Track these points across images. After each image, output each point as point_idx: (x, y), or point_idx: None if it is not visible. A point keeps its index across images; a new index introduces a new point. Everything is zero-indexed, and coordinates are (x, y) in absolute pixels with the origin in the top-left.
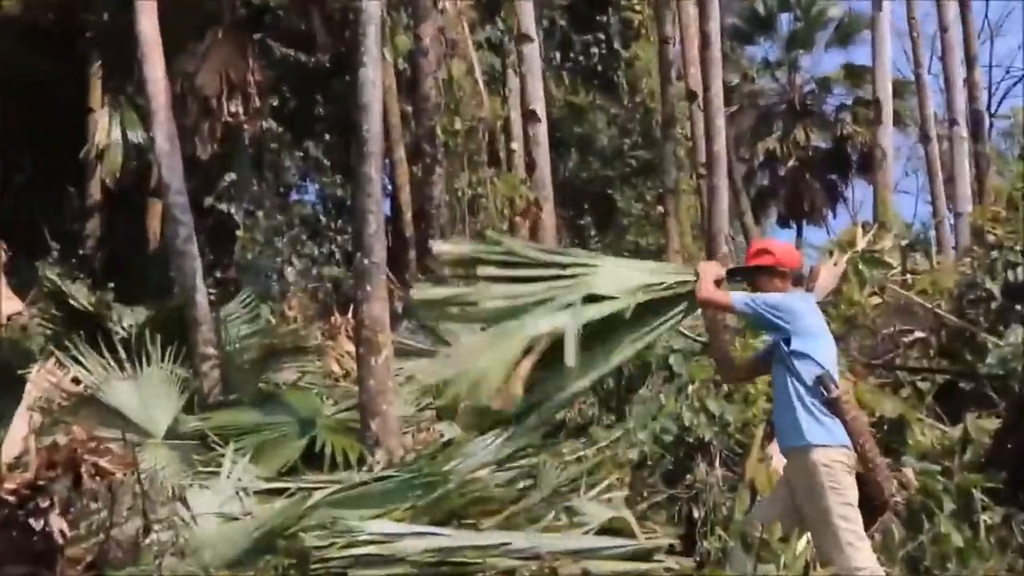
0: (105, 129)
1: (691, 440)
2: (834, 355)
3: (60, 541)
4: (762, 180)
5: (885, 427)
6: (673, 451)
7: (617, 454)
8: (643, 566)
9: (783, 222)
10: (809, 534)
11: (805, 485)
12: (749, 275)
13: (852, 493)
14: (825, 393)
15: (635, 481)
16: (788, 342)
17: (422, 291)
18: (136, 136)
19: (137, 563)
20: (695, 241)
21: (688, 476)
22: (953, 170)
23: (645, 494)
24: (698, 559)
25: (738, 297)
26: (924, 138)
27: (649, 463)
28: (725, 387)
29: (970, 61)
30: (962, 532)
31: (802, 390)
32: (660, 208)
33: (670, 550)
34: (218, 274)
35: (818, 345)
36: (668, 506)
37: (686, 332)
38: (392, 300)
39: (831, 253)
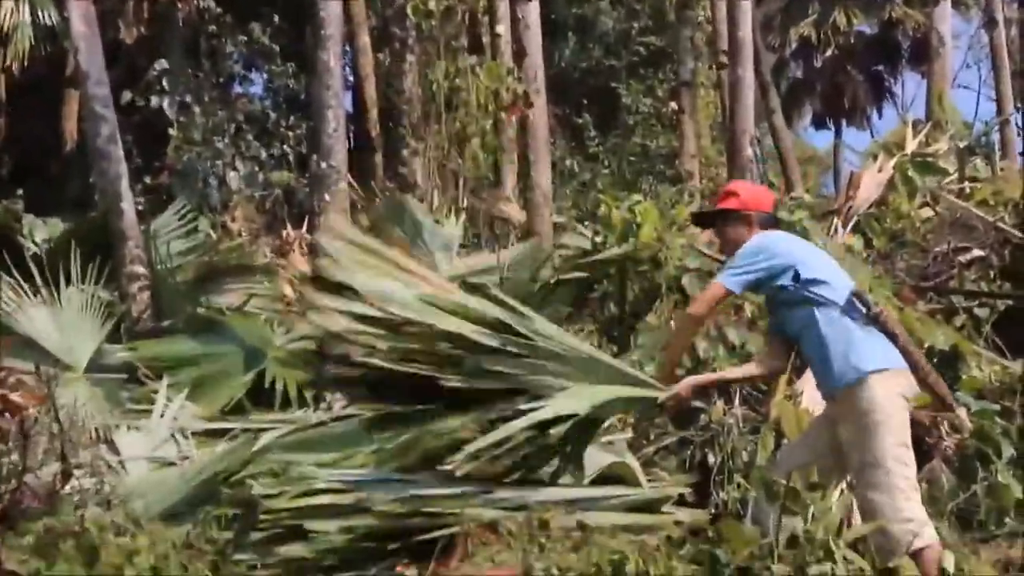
0: (9, 8)
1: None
2: (843, 273)
3: None
4: (795, 72)
5: (936, 360)
6: None
7: None
8: (649, 518)
9: (819, 122)
10: (851, 480)
11: (858, 425)
12: (713, 221)
13: (907, 431)
14: (865, 309)
15: (640, 422)
16: (797, 276)
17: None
18: (47, 16)
19: (55, 513)
20: (714, 144)
21: (703, 416)
22: (1022, 61)
23: (652, 437)
24: (713, 511)
25: (721, 278)
26: (989, 22)
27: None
28: (747, 312)
29: None
30: (1022, 483)
31: (836, 315)
32: (673, 105)
33: (680, 500)
34: (147, 180)
35: (831, 269)
36: (678, 450)
37: (702, 249)
38: (354, 211)
39: (875, 157)
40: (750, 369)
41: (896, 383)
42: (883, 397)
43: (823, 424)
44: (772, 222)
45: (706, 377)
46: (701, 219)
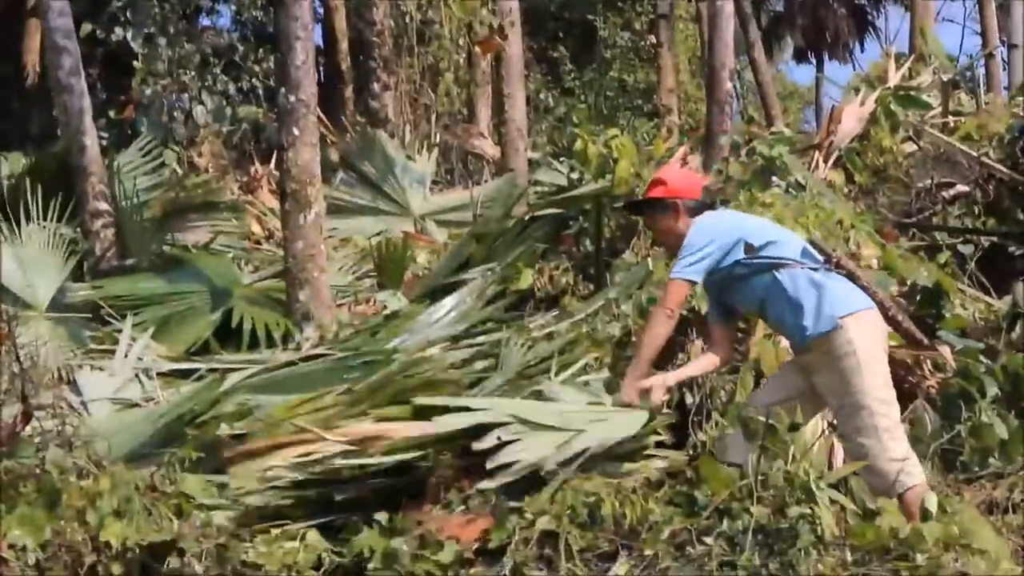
0: None
1: (684, 312)
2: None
3: None
4: (776, 5)
5: (918, 298)
6: None
7: (595, 329)
8: (626, 463)
9: (800, 55)
10: (836, 424)
11: (837, 370)
12: (641, 210)
13: (886, 369)
14: (823, 258)
15: (617, 361)
16: (748, 246)
17: None
18: None
19: (15, 455)
20: (693, 78)
21: (680, 355)
22: None
23: None
24: (690, 452)
25: (677, 272)
26: None
27: (633, 339)
28: None
29: None
30: (1007, 423)
31: (797, 272)
32: (651, 38)
33: (657, 442)
34: (111, 114)
35: (778, 230)
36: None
37: None
38: (324, 146)
39: (857, 91)
40: (707, 363)
41: (870, 323)
42: (860, 338)
43: (794, 371)
44: (701, 208)
45: (675, 375)
46: (632, 208)
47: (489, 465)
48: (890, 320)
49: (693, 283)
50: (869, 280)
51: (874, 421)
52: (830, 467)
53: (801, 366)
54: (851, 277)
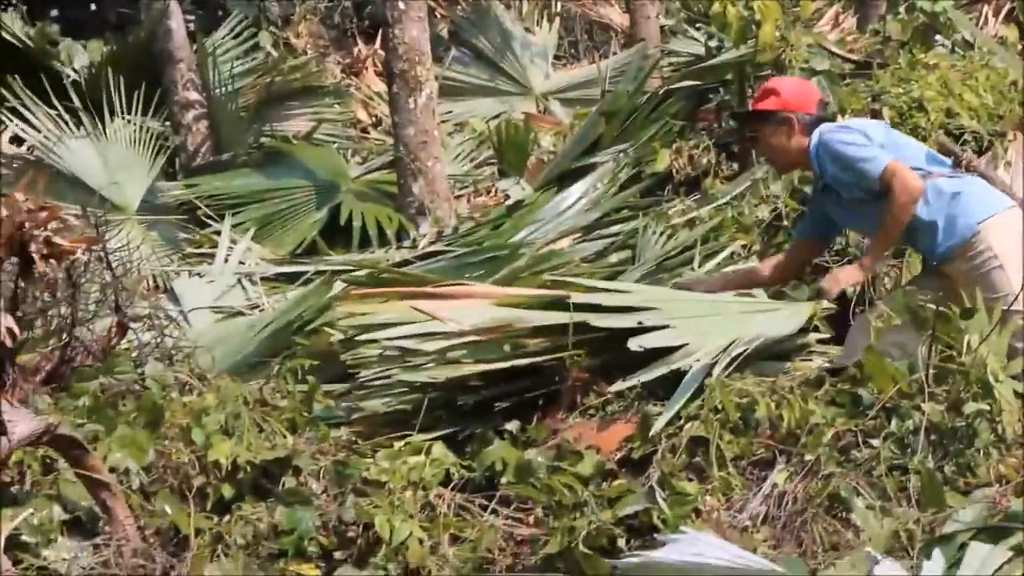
0: None
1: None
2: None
3: (8, 344)
4: None
5: None
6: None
7: (741, 213)
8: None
9: None
10: None
11: (976, 279)
12: (752, 122)
13: None
14: (951, 161)
15: (767, 248)
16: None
17: None
18: None
19: (111, 371)
20: None
21: (838, 239)
22: None
23: None
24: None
25: (887, 158)
26: None
27: (785, 224)
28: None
29: None
30: None
31: (925, 186)
32: None
33: (815, 328)
34: None
35: (903, 138)
36: (810, 279)
37: (832, 48)
38: (433, 21)
39: None
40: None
41: (1009, 223)
42: (1000, 242)
43: (934, 282)
44: (817, 123)
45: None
46: (739, 118)
47: (632, 345)
48: None
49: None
50: (1003, 182)
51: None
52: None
53: (941, 279)
54: (985, 177)
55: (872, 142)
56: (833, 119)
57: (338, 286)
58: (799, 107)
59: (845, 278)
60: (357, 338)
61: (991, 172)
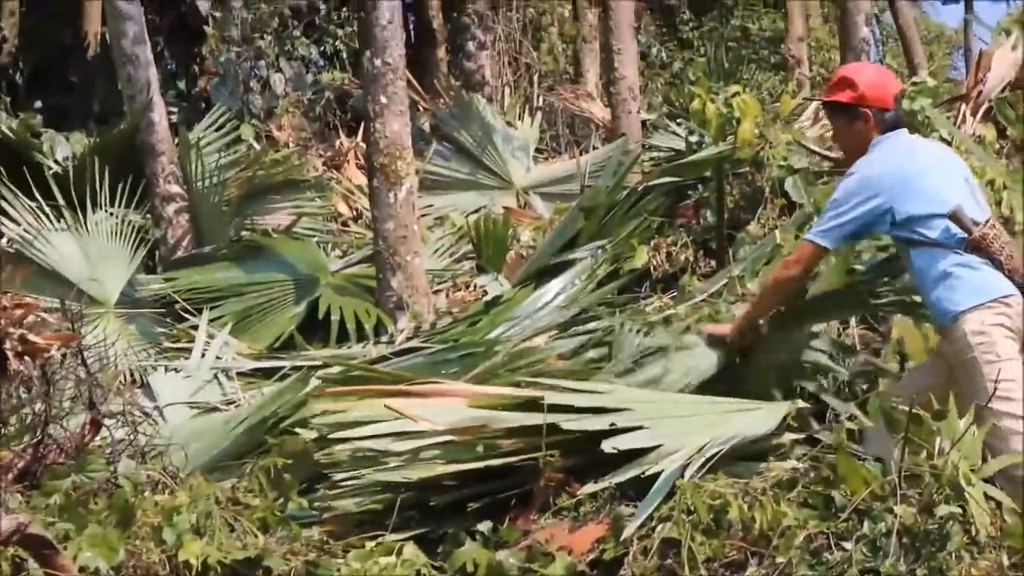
0: None
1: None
2: (957, 184)
3: None
4: None
5: None
6: None
7: (718, 311)
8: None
9: None
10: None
11: (958, 363)
12: (828, 111)
13: (1016, 366)
14: (964, 235)
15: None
16: (893, 219)
17: None
18: None
19: (83, 469)
20: (825, 24)
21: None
22: None
23: None
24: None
25: (811, 234)
26: None
27: (761, 322)
28: None
29: None
30: None
31: (930, 252)
32: None
33: (789, 428)
34: (181, 86)
35: (924, 193)
36: (786, 375)
37: (810, 146)
38: (415, 115)
39: (1008, 33)
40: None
41: (996, 313)
42: (978, 331)
43: (939, 355)
44: (894, 121)
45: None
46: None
47: (605, 447)
48: None
49: (824, 249)
50: (1017, 265)
51: (998, 422)
52: (984, 460)
53: (940, 350)
54: (994, 260)
55: (861, 205)
56: (903, 124)
57: (315, 382)
58: (875, 100)
59: (720, 330)
60: (330, 436)
61: (1005, 254)
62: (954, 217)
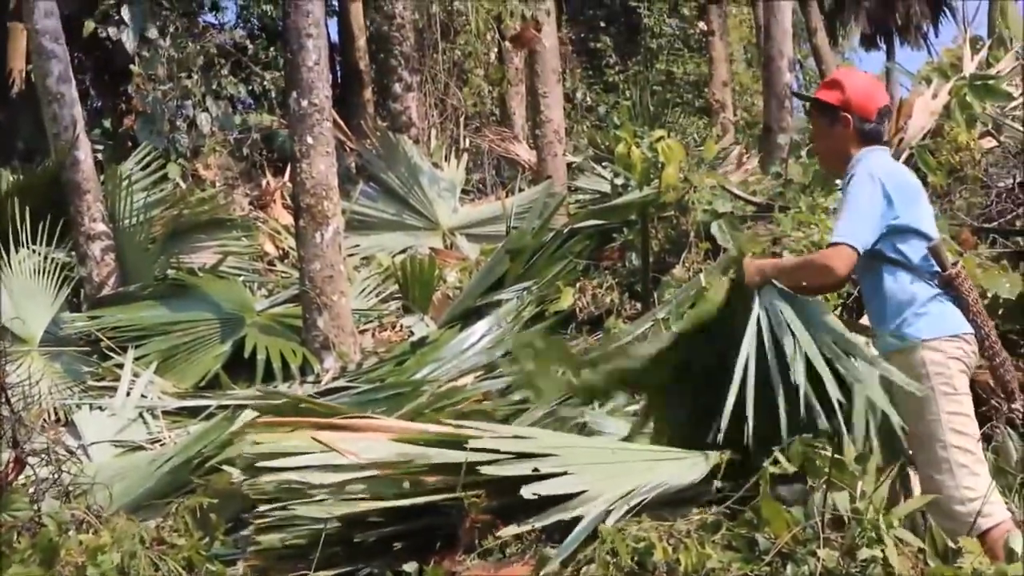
0: None
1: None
2: (933, 220)
3: None
4: None
5: (1000, 312)
6: None
7: None
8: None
9: (868, 42)
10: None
11: (906, 392)
12: (813, 110)
13: (968, 400)
14: (939, 270)
15: None
16: (894, 219)
17: None
18: None
19: (7, 507)
20: (749, 69)
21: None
22: None
23: None
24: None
25: (844, 235)
26: None
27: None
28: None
29: None
30: None
31: (904, 275)
32: (701, 25)
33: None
34: (107, 124)
35: (922, 212)
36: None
37: (734, 190)
38: (342, 155)
39: (928, 81)
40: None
41: (955, 347)
42: (936, 362)
43: None
44: (875, 134)
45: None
46: (800, 97)
47: (525, 493)
48: (988, 362)
49: (859, 253)
50: (980, 310)
51: (948, 455)
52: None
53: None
54: (961, 302)
55: (878, 207)
56: (882, 139)
57: (241, 420)
58: (859, 109)
59: (754, 266)
60: (257, 466)
61: (971, 297)
62: (935, 249)
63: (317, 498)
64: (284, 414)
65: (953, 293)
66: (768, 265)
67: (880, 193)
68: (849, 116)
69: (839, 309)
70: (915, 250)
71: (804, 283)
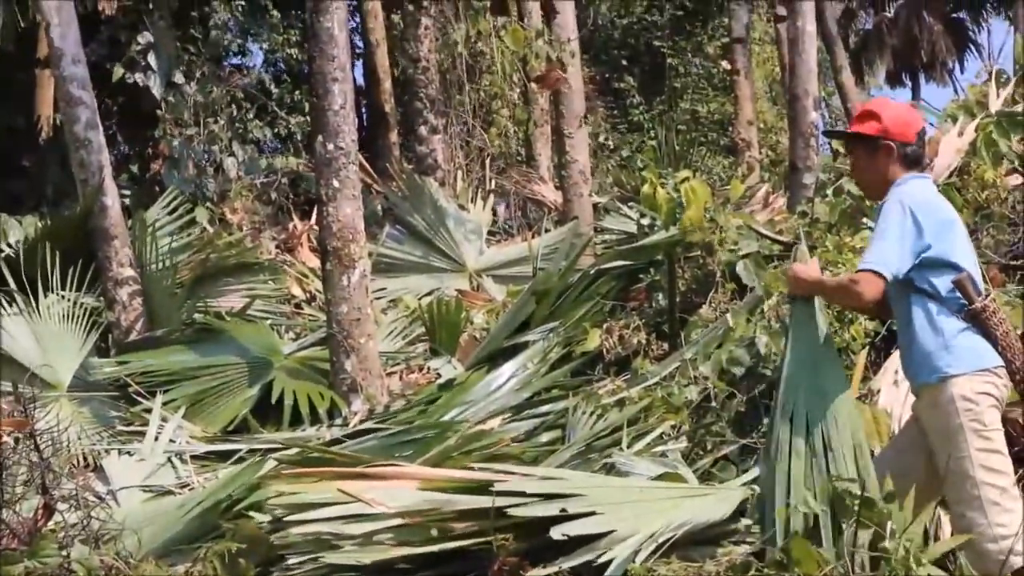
0: None
1: (768, 372)
2: (971, 251)
3: None
4: (865, 23)
5: None
6: (745, 388)
7: (671, 393)
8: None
9: (894, 79)
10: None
11: (939, 427)
12: (850, 145)
13: (999, 436)
14: (966, 303)
15: (695, 429)
16: (925, 249)
17: None
18: None
19: (37, 554)
20: (774, 107)
21: (765, 421)
22: None
23: (709, 446)
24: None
25: (873, 263)
26: None
27: (714, 404)
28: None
29: None
30: None
31: (933, 307)
32: (725, 64)
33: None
34: (134, 169)
35: (955, 243)
36: (739, 460)
37: (760, 230)
38: (368, 198)
39: (954, 119)
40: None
41: (985, 382)
42: (967, 397)
43: (912, 423)
44: (916, 157)
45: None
46: (832, 137)
47: (555, 534)
48: (1019, 389)
49: (885, 279)
50: (1010, 342)
51: (979, 492)
52: (937, 539)
53: (917, 414)
54: (990, 335)
55: (907, 235)
56: (922, 161)
57: (269, 464)
58: (899, 135)
59: (803, 273)
60: (285, 519)
61: (1001, 331)
62: (961, 283)
63: (345, 547)
64: (311, 462)
65: (981, 328)
66: (811, 281)
67: (910, 222)
68: (891, 143)
69: (866, 349)
70: (945, 283)
71: (837, 304)
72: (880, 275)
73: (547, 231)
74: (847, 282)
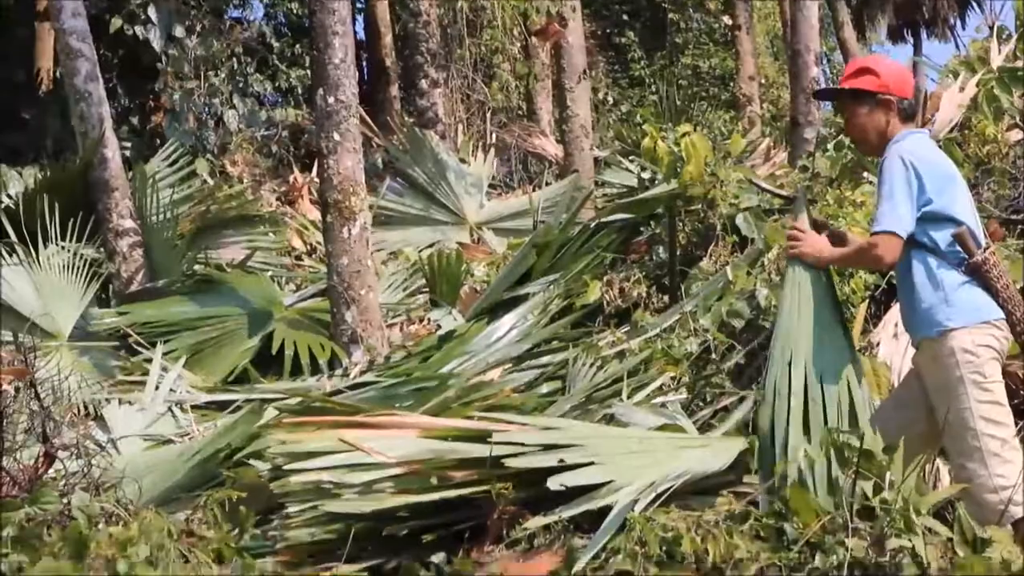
0: None
1: (768, 325)
2: (971, 205)
3: None
4: None
5: None
6: (744, 340)
7: (671, 345)
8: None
9: (895, 35)
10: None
11: (940, 380)
12: (842, 101)
13: (1000, 388)
14: (966, 257)
15: (695, 380)
16: (926, 202)
17: None
18: None
19: (37, 501)
20: (775, 63)
21: (764, 372)
22: None
23: (708, 398)
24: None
25: (888, 223)
26: None
27: (713, 356)
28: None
29: None
30: None
31: (933, 262)
32: (727, 19)
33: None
34: (134, 122)
35: (956, 197)
36: (739, 411)
37: (760, 183)
38: (369, 151)
39: (956, 74)
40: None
41: (985, 334)
42: (967, 350)
43: (913, 377)
44: (912, 111)
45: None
46: (824, 96)
47: (552, 485)
48: (1020, 340)
49: (902, 239)
50: (1011, 295)
51: (979, 443)
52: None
53: (917, 367)
54: (991, 288)
55: (912, 190)
56: (915, 116)
57: (269, 414)
58: (898, 91)
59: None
60: (285, 467)
61: (1002, 283)
62: (961, 236)
63: (345, 496)
64: (312, 411)
65: (981, 280)
66: (829, 257)
67: (912, 176)
68: (891, 98)
69: (866, 302)
70: (945, 237)
71: (854, 266)
72: (897, 235)
73: (548, 184)
74: (866, 246)
